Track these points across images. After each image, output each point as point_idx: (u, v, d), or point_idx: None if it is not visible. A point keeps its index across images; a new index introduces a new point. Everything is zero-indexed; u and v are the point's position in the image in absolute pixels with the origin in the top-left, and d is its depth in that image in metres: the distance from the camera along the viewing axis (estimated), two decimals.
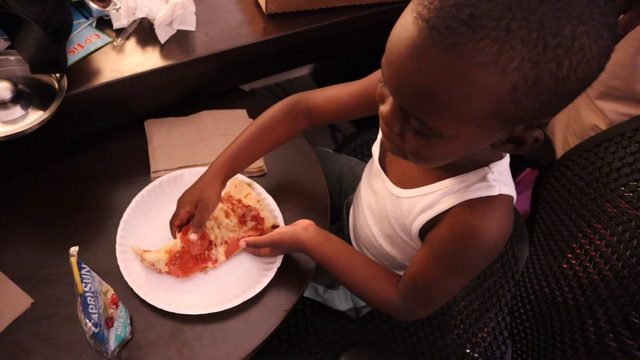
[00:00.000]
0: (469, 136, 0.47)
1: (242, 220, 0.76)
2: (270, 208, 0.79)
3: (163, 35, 0.79)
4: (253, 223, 0.76)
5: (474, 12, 0.38)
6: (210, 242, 0.73)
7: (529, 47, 0.38)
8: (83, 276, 0.56)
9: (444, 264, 0.61)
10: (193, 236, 0.71)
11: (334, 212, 1.00)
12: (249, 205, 0.77)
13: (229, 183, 0.77)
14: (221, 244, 0.74)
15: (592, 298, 0.74)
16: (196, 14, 0.84)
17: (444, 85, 0.41)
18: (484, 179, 0.58)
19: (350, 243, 0.89)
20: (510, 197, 0.59)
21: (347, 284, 0.70)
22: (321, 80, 1.79)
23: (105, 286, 0.63)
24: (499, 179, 0.58)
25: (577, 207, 0.86)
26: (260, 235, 0.75)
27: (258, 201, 0.78)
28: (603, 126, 0.92)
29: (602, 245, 0.77)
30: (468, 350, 0.93)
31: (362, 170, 1.03)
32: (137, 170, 0.82)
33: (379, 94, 0.52)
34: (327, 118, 0.76)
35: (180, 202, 0.73)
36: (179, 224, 0.73)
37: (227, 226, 0.75)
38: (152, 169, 0.81)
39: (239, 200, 0.77)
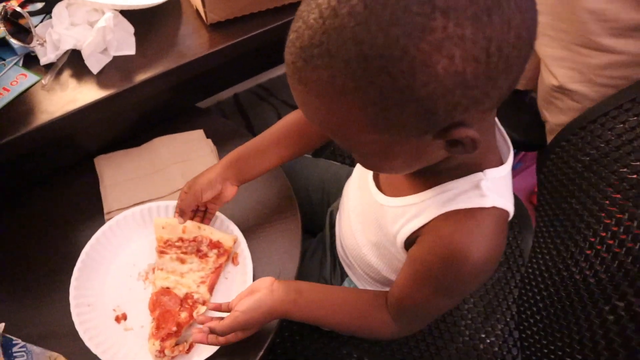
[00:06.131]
0: (391, 150, 0.44)
1: (202, 255, 0.70)
2: (217, 225, 0.73)
3: (96, 65, 0.72)
4: (214, 251, 0.69)
5: (302, 44, 0.38)
6: (186, 295, 0.67)
7: (352, 66, 0.36)
8: (15, 354, 0.51)
9: (430, 286, 0.55)
10: (179, 219, 0.70)
11: (317, 223, 0.94)
12: (195, 238, 0.70)
13: (156, 227, 0.71)
14: (198, 286, 0.68)
15: (605, 280, 0.65)
16: (135, 33, 0.77)
17: (319, 115, 0.42)
18: (476, 186, 0.50)
19: (335, 253, 0.83)
20: (504, 212, 0.51)
21: (337, 328, 0.67)
22: None
23: (53, 355, 0.57)
24: (493, 188, 0.50)
25: (582, 187, 0.77)
26: (224, 254, 0.69)
27: (199, 227, 0.71)
28: (555, 82, 0.80)
29: (613, 223, 0.67)
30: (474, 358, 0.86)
31: (346, 174, 0.97)
32: (90, 213, 0.76)
33: None
34: None
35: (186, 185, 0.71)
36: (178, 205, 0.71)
37: (191, 271, 0.68)
38: (105, 210, 0.75)
39: (180, 239, 0.70)
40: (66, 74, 0.73)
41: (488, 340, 0.88)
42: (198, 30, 0.80)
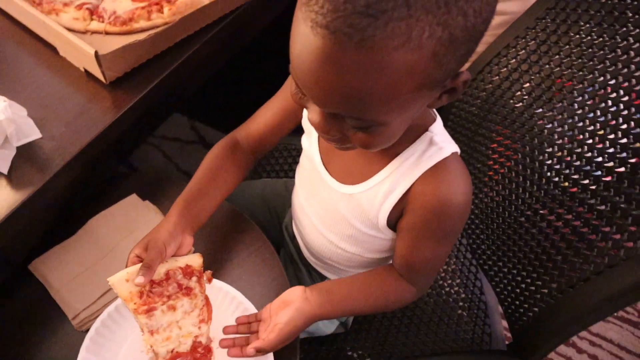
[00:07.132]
0: (407, 111, 0.48)
1: (186, 292, 0.61)
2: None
3: (3, 163, 0.63)
4: (194, 279, 0.62)
5: (369, 0, 0.37)
6: (194, 345, 0.61)
7: (433, 12, 0.38)
8: None
9: (432, 240, 0.62)
10: (139, 279, 0.57)
11: (273, 241, 0.94)
12: (167, 273, 0.62)
13: (118, 285, 0.60)
14: (200, 327, 0.61)
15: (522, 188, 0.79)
16: (30, 116, 0.67)
17: (369, 82, 0.41)
18: (431, 143, 0.58)
19: (307, 262, 0.85)
20: (457, 153, 0.60)
21: (369, 311, 0.74)
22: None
23: None
24: (443, 138, 0.59)
25: (490, 128, 0.88)
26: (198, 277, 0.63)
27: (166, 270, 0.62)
28: None
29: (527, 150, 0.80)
30: (451, 302, 0.95)
31: (283, 185, 0.97)
32: (55, 325, 0.67)
33: (299, 104, 0.51)
34: (267, 143, 0.75)
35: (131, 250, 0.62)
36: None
37: (186, 314, 0.61)
38: (69, 316, 0.66)
39: (152, 284, 0.61)
40: None
41: (455, 282, 0.98)
42: (98, 93, 0.73)
